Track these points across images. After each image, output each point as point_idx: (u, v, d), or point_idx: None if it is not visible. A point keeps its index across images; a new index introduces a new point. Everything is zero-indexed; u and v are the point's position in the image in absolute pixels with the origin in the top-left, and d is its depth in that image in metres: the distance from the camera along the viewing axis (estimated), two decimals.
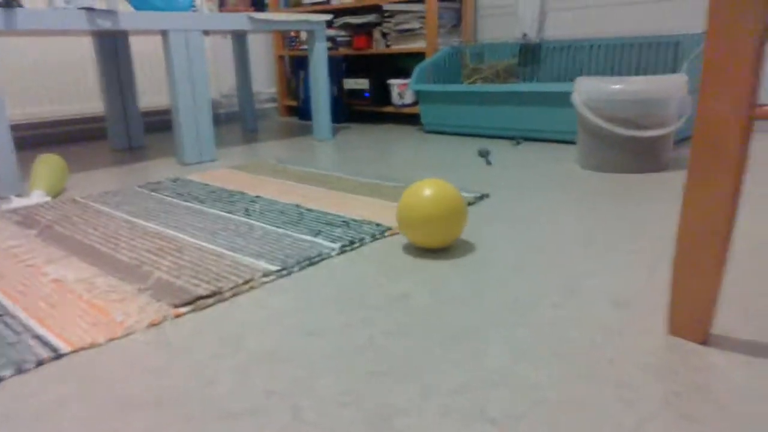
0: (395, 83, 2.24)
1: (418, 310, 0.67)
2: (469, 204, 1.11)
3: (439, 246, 0.85)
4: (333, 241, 0.90)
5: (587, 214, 1.02)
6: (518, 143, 1.81)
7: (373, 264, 0.82)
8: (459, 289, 0.73)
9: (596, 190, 1.18)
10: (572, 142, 1.75)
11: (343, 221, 1.00)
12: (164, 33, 1.53)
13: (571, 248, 0.85)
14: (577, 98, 1.34)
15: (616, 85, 1.27)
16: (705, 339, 0.58)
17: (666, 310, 0.65)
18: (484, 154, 1.64)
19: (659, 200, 1.09)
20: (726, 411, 0.47)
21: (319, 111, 1.98)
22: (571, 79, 2.04)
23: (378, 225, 0.98)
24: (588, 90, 1.31)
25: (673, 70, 1.82)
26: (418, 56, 2.30)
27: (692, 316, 0.58)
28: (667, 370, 0.53)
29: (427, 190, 0.83)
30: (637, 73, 1.90)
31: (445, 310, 0.67)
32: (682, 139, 1.67)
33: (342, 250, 0.87)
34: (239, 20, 1.69)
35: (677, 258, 0.58)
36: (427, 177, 1.37)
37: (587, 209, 1.05)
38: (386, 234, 0.94)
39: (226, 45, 2.60)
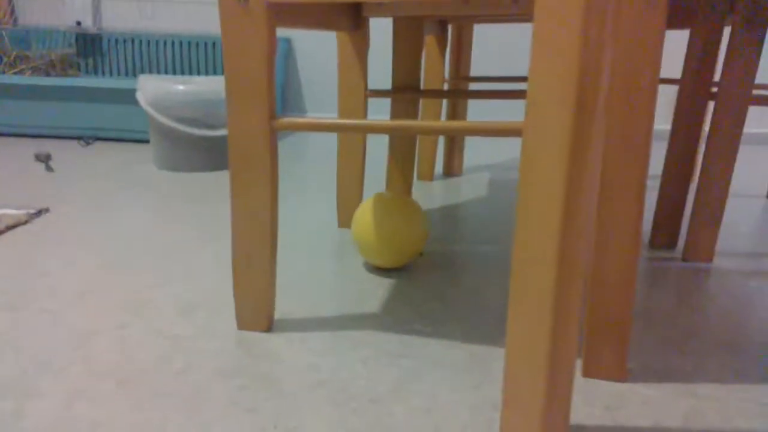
0: None
1: None
2: (22, 224, 0.92)
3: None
4: None
5: (162, 219, 0.99)
6: (87, 144, 1.62)
7: None
8: None
9: (172, 193, 1.15)
10: (147, 141, 1.68)
11: None
12: None
13: (144, 259, 0.81)
14: (142, 98, 1.28)
15: (180, 86, 1.26)
16: (269, 326, 0.63)
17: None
18: (43, 158, 1.40)
19: None
20: (282, 393, 0.51)
21: None
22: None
23: None
24: (152, 90, 1.26)
25: None
26: None
27: (255, 309, 0.62)
28: (233, 367, 0.55)
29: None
30: (208, 72, 1.96)
31: None
32: None
33: None
34: None
35: (234, 257, 0.60)
36: None
37: (162, 214, 1.01)
38: None
39: None
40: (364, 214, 0.77)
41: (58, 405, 0.48)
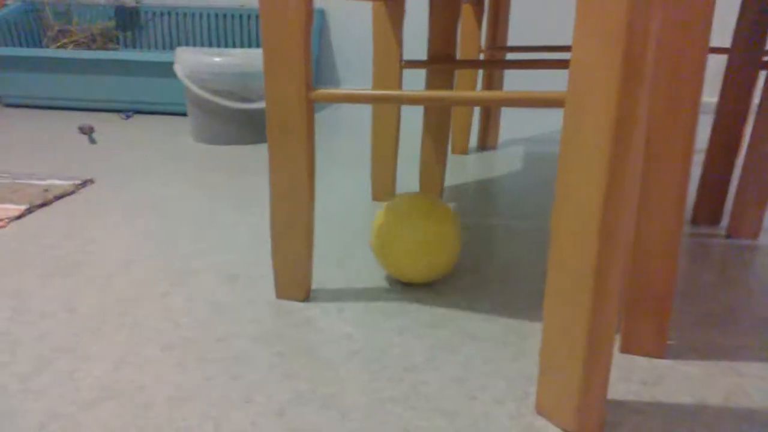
0: None
1: None
2: (68, 194, 0.95)
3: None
4: None
5: (201, 190, 1.01)
6: (128, 117, 1.66)
7: None
8: (48, 304, 0.62)
9: (210, 165, 1.18)
10: (185, 114, 1.71)
11: None
12: None
13: (185, 229, 0.83)
14: (179, 70, 1.30)
15: (217, 58, 1.27)
16: (307, 296, 0.64)
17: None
18: (86, 130, 1.44)
19: (268, 170, 1.16)
20: (320, 361, 0.53)
21: None
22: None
23: None
24: (189, 62, 1.28)
25: None
26: None
27: (293, 278, 0.63)
28: (272, 334, 0.56)
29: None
30: (244, 45, 1.96)
31: (27, 338, 0.56)
32: None
33: None
34: None
35: (273, 227, 0.61)
36: (12, 169, 1.12)
37: (201, 185, 1.04)
38: None
39: None
40: (384, 224, 0.66)
41: (108, 368, 0.51)
